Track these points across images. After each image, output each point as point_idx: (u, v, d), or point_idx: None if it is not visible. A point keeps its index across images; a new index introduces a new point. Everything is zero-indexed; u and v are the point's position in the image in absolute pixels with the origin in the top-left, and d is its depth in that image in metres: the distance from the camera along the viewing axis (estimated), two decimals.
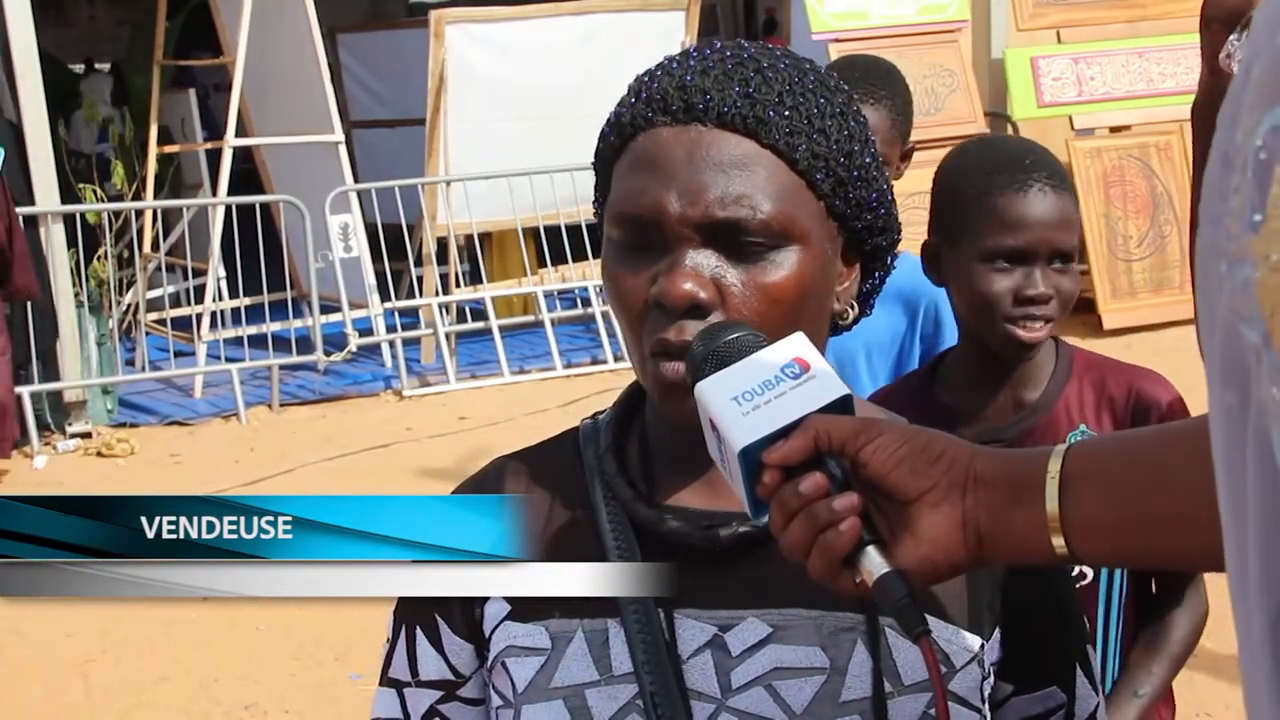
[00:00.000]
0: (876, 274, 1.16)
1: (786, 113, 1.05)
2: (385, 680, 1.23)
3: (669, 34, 8.95)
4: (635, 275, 1.07)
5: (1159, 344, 8.42)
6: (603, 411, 1.22)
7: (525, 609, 1.14)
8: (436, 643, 1.20)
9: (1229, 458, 0.60)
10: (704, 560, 1.10)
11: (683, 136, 1.05)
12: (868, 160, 1.10)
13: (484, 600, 1.16)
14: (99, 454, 7.30)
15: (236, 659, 4.70)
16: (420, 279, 8.81)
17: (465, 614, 1.18)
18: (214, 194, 8.79)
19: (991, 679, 1.13)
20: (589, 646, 1.11)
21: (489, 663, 1.16)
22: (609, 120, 1.13)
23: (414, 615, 1.22)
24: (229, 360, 8.22)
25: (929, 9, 8.72)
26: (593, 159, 1.16)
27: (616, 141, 1.10)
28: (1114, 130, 9.18)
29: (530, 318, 8.93)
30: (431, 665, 1.20)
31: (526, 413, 7.71)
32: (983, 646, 1.11)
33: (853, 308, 1.14)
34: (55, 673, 4.66)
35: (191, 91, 10.31)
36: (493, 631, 1.16)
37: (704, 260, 1.04)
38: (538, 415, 7.65)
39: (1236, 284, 0.56)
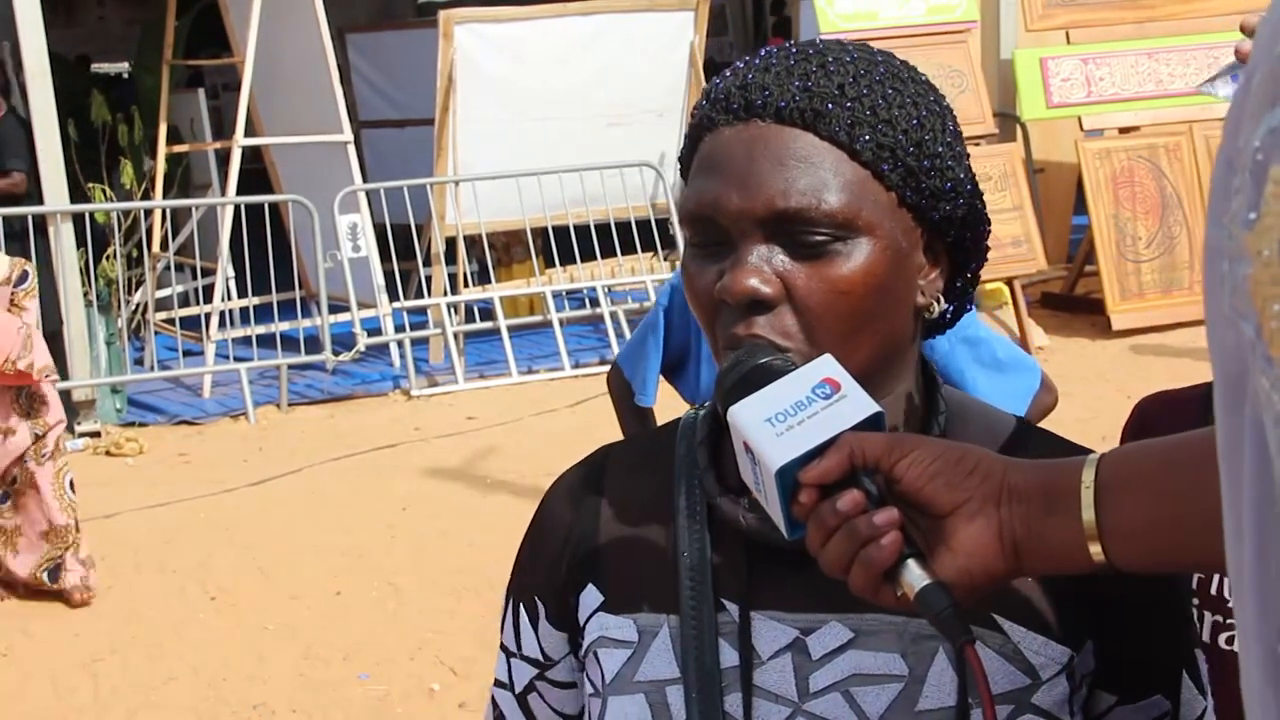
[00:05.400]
0: (970, 267, 1.14)
1: (848, 104, 1.05)
2: (501, 644, 1.29)
3: (678, 34, 8.96)
4: (704, 273, 1.07)
5: (1168, 345, 8.42)
6: (705, 405, 1.22)
7: (618, 601, 1.16)
8: (535, 623, 1.23)
9: (1229, 449, 0.62)
10: (787, 559, 1.10)
11: (743, 134, 1.06)
12: (940, 150, 1.07)
13: (581, 589, 1.19)
14: (108, 453, 7.32)
15: (244, 659, 4.71)
16: (429, 279, 8.82)
17: (560, 602, 1.21)
18: (223, 194, 8.81)
19: (1084, 691, 1.11)
20: (673, 643, 1.12)
21: (583, 651, 1.18)
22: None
23: (519, 593, 1.25)
24: (237, 360, 8.24)
25: (938, 9, 8.72)
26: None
27: (689, 145, 1.12)
28: (1123, 131, 9.17)
29: (539, 318, 8.95)
30: (529, 643, 1.24)
31: (534, 413, 7.72)
32: (1073, 658, 1.09)
33: (939, 301, 1.11)
34: (64, 672, 4.67)
35: (201, 91, 10.35)
36: (587, 621, 1.17)
37: (768, 255, 1.04)
38: (546, 415, 7.66)
39: (1236, 281, 0.58)
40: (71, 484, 5.22)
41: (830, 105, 1.04)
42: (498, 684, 1.29)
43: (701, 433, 1.18)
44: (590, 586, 1.18)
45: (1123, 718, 1.13)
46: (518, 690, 1.26)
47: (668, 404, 2.85)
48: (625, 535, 1.18)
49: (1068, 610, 1.09)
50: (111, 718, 4.36)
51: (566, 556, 1.20)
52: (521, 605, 1.25)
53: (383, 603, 5.14)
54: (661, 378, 2.91)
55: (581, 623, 1.18)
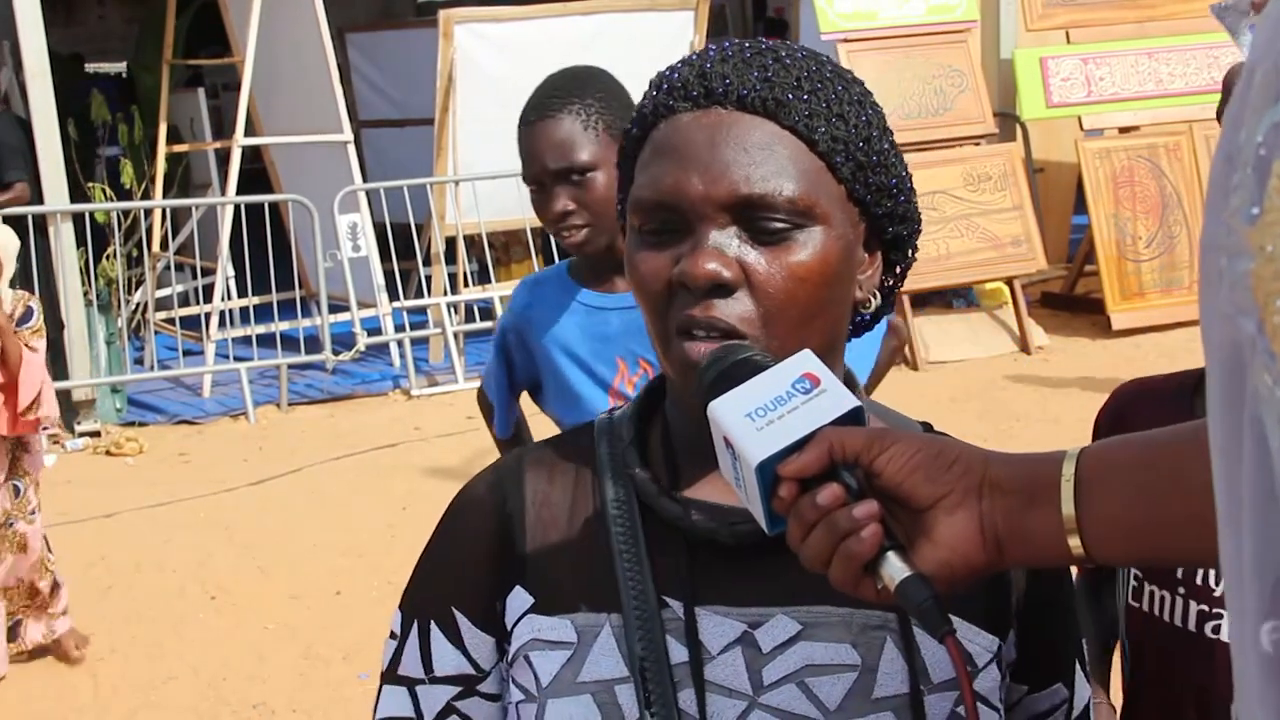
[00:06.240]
0: (899, 266, 1.16)
1: (805, 96, 1.06)
2: (393, 678, 1.21)
3: (677, 34, 8.96)
4: (657, 257, 1.07)
5: (1168, 345, 8.42)
6: (618, 407, 1.22)
7: (550, 601, 1.13)
8: (455, 637, 1.18)
9: (1226, 447, 0.61)
10: (728, 556, 1.10)
11: (704, 120, 1.06)
12: (885, 147, 1.10)
13: (506, 593, 1.16)
14: (108, 453, 7.32)
15: (244, 658, 4.71)
16: (428, 278, 8.82)
17: (486, 607, 1.17)
18: (223, 193, 8.81)
19: (1007, 679, 1.14)
20: (617, 642, 1.10)
21: (510, 656, 1.15)
22: (631, 115, 1.14)
23: (428, 610, 1.20)
24: (237, 359, 8.24)
25: (938, 9, 8.71)
26: (616, 158, 1.16)
27: (638, 133, 1.12)
28: (1123, 131, 9.17)
29: None
30: (449, 660, 1.18)
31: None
32: (1000, 647, 1.12)
33: (875, 296, 1.14)
34: (64, 672, 4.67)
35: (200, 91, 10.35)
36: (515, 624, 1.14)
37: (727, 241, 1.04)
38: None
39: (1235, 277, 0.58)
40: (48, 542, 4.72)
41: (790, 95, 1.06)
42: None
43: (629, 434, 1.17)
44: (518, 589, 1.15)
45: (1032, 706, 1.17)
46: (430, 719, 1.19)
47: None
48: (553, 536, 1.16)
49: (995, 602, 1.13)
50: (111, 718, 4.35)
51: (490, 561, 1.17)
52: (433, 622, 1.19)
53: (383, 603, 5.13)
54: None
55: (509, 627, 1.15)
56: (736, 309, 1.04)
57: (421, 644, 1.19)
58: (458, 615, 1.18)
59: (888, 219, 1.12)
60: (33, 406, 4.45)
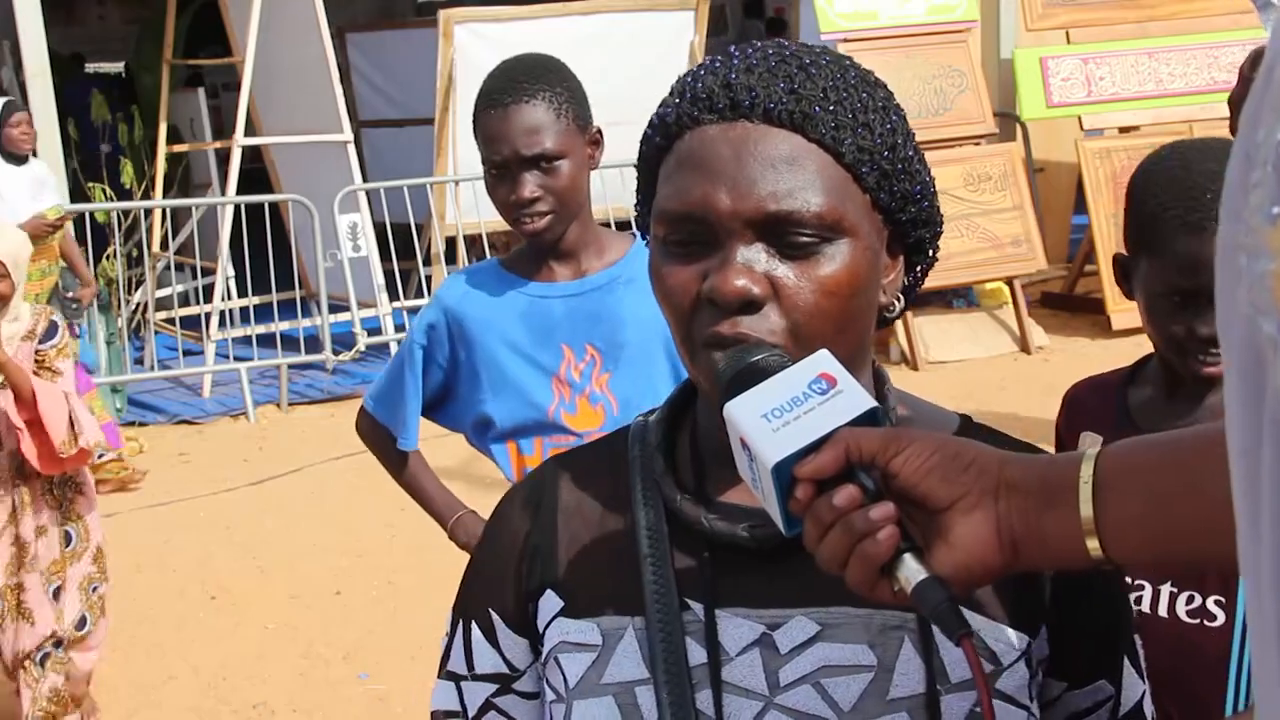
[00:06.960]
0: (919, 267, 1.17)
1: (831, 108, 1.06)
2: (444, 673, 1.26)
3: (678, 34, 8.96)
4: (684, 271, 1.07)
5: None
6: (655, 411, 1.23)
7: (578, 605, 1.15)
8: (491, 637, 1.22)
9: (1246, 448, 0.61)
10: (750, 558, 1.11)
11: (730, 133, 1.06)
12: (910, 154, 1.11)
13: (538, 595, 1.18)
14: None
15: (244, 658, 4.71)
16: (429, 278, 8.82)
17: (519, 609, 1.20)
18: (223, 193, 8.81)
19: (1040, 677, 1.13)
20: (639, 644, 1.12)
21: (543, 657, 1.18)
22: (652, 121, 1.13)
23: (470, 610, 1.24)
24: (237, 359, 8.24)
25: (938, 9, 8.71)
26: (636, 161, 1.16)
27: (662, 142, 1.11)
28: (1123, 131, 9.17)
29: None
30: (487, 659, 1.22)
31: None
32: (1030, 644, 1.11)
33: (898, 300, 1.15)
34: None
35: (201, 91, 10.35)
36: (546, 627, 1.17)
37: (755, 256, 1.05)
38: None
39: (1254, 277, 0.57)
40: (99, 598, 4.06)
41: (817, 108, 1.06)
42: (445, 716, 1.26)
43: (656, 437, 1.18)
44: (549, 592, 1.17)
45: (1072, 703, 1.16)
46: (472, 714, 1.24)
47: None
48: (583, 540, 1.18)
49: (1023, 598, 1.12)
50: (111, 718, 4.35)
51: (524, 566, 1.20)
52: (474, 622, 1.24)
53: (382, 602, 5.13)
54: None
55: (541, 629, 1.18)
56: (765, 324, 1.04)
57: (465, 642, 1.24)
58: (494, 617, 1.22)
59: (911, 224, 1.12)
60: (74, 437, 3.78)
